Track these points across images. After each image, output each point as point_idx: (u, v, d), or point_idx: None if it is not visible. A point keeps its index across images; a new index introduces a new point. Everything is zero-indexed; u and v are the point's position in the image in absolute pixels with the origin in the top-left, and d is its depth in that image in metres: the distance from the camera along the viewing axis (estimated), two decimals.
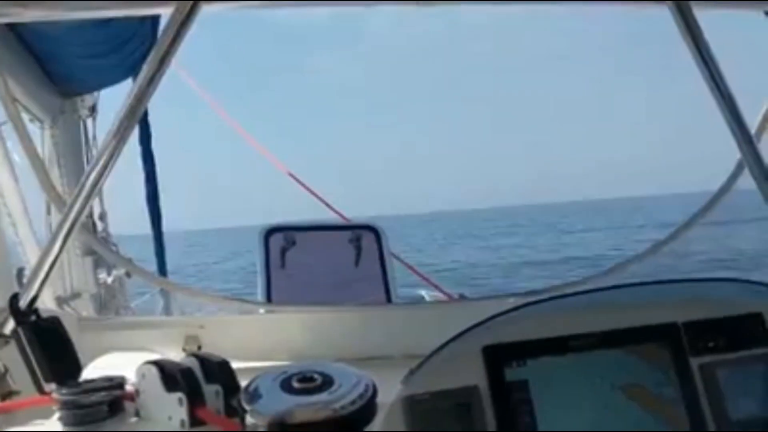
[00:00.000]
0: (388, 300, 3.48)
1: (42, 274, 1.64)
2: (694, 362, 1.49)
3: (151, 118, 4.39)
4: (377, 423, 1.30)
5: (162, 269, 4.67)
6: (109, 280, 4.08)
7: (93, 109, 4.24)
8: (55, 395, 1.46)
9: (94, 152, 4.00)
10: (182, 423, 1.35)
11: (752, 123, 2.19)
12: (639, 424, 1.41)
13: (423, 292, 5.18)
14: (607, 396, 1.43)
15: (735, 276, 1.68)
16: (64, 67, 3.38)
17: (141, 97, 1.74)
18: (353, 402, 1.14)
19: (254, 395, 1.15)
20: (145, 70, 1.70)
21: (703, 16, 1.83)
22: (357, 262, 3.62)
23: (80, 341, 1.93)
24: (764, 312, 1.57)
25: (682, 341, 1.50)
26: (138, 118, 1.83)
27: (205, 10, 1.60)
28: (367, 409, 1.16)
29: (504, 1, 2.04)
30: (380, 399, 1.33)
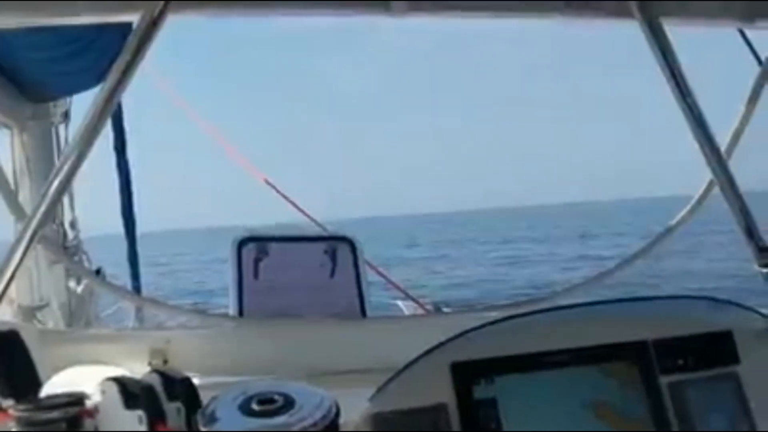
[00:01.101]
0: (363, 312, 3.45)
1: (2, 286, 1.60)
2: (663, 380, 1.48)
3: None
4: None
5: (135, 279, 4.61)
6: (79, 289, 4.01)
7: (66, 115, 4.17)
8: (12, 411, 1.41)
9: None
10: None
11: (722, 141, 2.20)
12: None
13: (400, 303, 5.16)
14: (576, 414, 1.42)
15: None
16: (31, 72, 3.32)
17: (107, 103, 1.71)
18: (314, 424, 1.11)
19: (211, 417, 1.12)
20: (112, 75, 1.68)
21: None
22: (332, 274, 3.59)
23: (42, 354, 1.88)
24: (733, 330, 1.57)
25: (652, 359, 1.49)
26: (105, 123, 1.80)
27: (172, 17, 1.57)
28: (328, 430, 1.13)
29: (476, 17, 2.04)
30: (348, 414, 1.30)
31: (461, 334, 1.42)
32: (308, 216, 5.56)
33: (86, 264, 4.14)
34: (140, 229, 4.57)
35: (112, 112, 1.88)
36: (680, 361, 1.51)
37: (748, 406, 1.50)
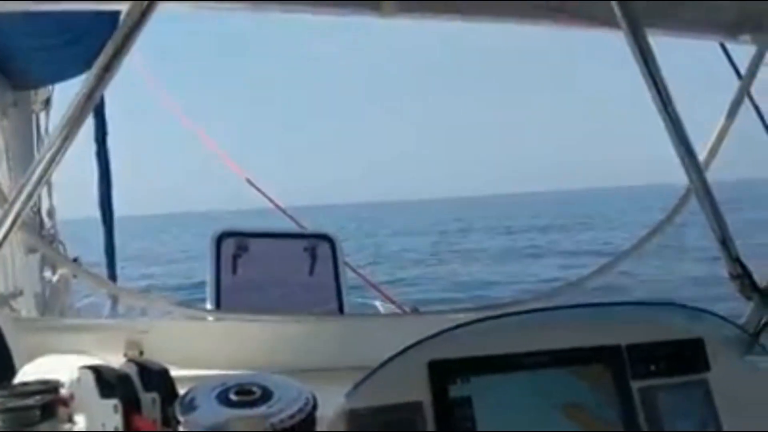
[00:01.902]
0: (341, 310, 3.46)
1: None
2: (635, 385, 1.51)
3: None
4: None
5: (112, 270, 4.58)
6: (54, 279, 3.97)
7: (47, 103, 4.14)
8: None
9: None
10: (116, 430, 1.31)
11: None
12: None
13: (377, 303, 5.17)
14: (547, 415, 1.44)
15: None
16: (17, 59, 3.29)
17: (92, 93, 1.70)
18: (292, 416, 1.12)
19: (189, 406, 1.12)
20: (98, 64, 1.67)
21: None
22: (311, 272, 3.59)
23: (17, 342, 1.87)
24: (705, 338, 1.60)
25: (625, 364, 1.52)
26: (88, 114, 1.79)
27: (162, 6, 1.57)
28: (305, 423, 1.14)
29: (462, 19, 2.06)
30: (323, 411, 1.31)
31: (439, 334, 1.44)
32: (288, 215, 5.56)
33: (63, 253, 4.10)
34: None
35: (96, 102, 1.87)
36: (652, 367, 1.54)
37: (717, 413, 1.53)
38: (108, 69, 1.70)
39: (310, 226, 4.80)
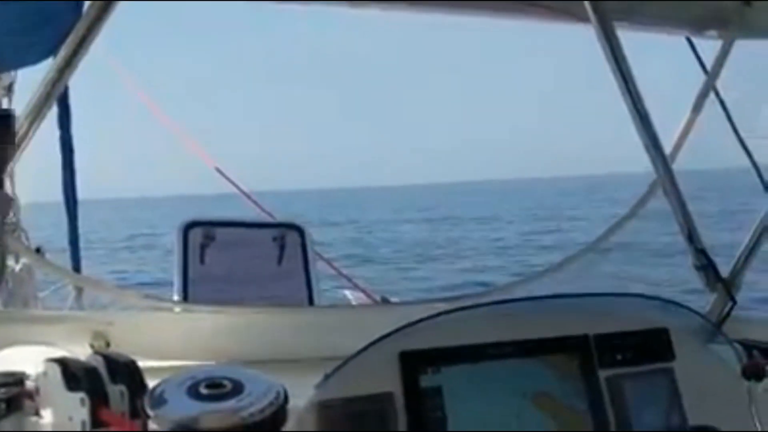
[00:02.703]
0: (310, 300, 3.44)
1: None
2: (602, 374, 1.53)
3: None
4: (289, 428, 1.28)
5: (76, 258, 4.50)
6: (17, 268, 3.89)
7: (9, 89, 4.04)
8: None
9: None
10: (83, 424, 1.29)
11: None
12: None
13: (347, 292, 5.17)
14: (516, 405, 1.45)
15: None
16: None
17: (58, 79, 1.67)
18: (262, 410, 1.11)
19: (159, 400, 1.11)
20: (64, 51, 1.64)
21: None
22: (280, 261, 3.57)
23: None
24: (670, 328, 1.63)
25: (592, 353, 1.54)
26: (53, 101, 1.76)
27: None
28: (276, 416, 1.13)
29: (430, 11, 2.07)
30: (294, 403, 1.31)
31: (409, 325, 1.44)
32: (257, 204, 5.52)
33: (25, 242, 4.02)
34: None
35: (62, 89, 1.84)
36: (619, 356, 1.57)
37: (681, 401, 1.56)
38: (74, 56, 1.67)
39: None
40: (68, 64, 1.66)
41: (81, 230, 4.33)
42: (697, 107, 2.33)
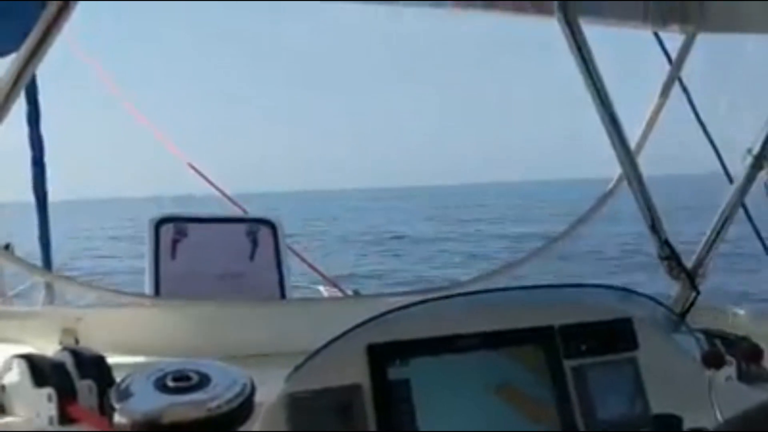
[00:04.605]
0: (283, 295, 3.45)
1: None
2: (567, 364, 1.56)
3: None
4: (257, 419, 1.29)
5: (46, 256, 4.45)
6: None
7: None
8: None
9: None
10: (51, 420, 1.29)
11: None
12: (512, 424, 1.47)
13: (321, 288, 5.17)
14: (482, 396, 1.48)
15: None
16: None
17: (21, 73, 1.66)
18: (229, 401, 1.12)
19: (125, 393, 1.11)
20: (28, 43, 1.63)
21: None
22: (252, 257, 3.56)
23: None
24: (633, 318, 1.66)
25: (557, 344, 1.57)
26: (18, 95, 1.74)
27: None
28: (243, 408, 1.14)
29: (398, 4, 2.09)
30: (264, 396, 1.31)
31: (377, 317, 1.46)
32: (230, 199, 5.51)
33: None
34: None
35: (26, 82, 1.82)
36: (583, 346, 1.60)
37: (644, 389, 1.60)
38: (39, 47, 1.66)
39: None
40: (32, 57, 1.65)
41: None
42: (662, 100, 2.37)
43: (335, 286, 4.99)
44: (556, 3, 1.92)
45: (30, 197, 4.38)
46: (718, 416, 1.49)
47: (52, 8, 1.62)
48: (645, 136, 2.38)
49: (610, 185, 2.46)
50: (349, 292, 4.70)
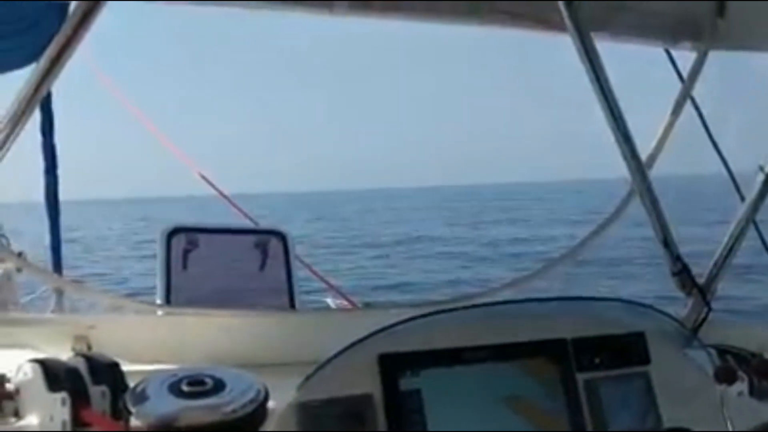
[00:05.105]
0: (292, 306, 3.45)
1: None
2: (580, 377, 1.56)
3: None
4: (269, 428, 1.29)
5: (57, 265, 4.48)
6: None
7: None
8: None
9: None
10: (64, 424, 1.30)
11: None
12: None
13: (329, 300, 5.18)
14: (494, 408, 1.47)
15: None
16: None
17: (39, 85, 1.68)
18: (243, 406, 1.12)
19: (141, 396, 1.12)
20: (46, 56, 1.65)
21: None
22: (262, 268, 3.58)
23: None
24: (646, 332, 1.66)
25: (570, 357, 1.56)
26: (35, 107, 1.76)
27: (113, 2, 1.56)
28: (257, 413, 1.15)
29: (410, 19, 2.11)
30: (275, 405, 1.32)
31: (388, 327, 1.46)
32: (241, 210, 5.53)
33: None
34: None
35: (43, 95, 1.84)
36: (596, 360, 1.59)
37: (657, 403, 1.59)
38: (56, 61, 1.68)
39: None
40: (51, 69, 1.67)
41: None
42: (674, 116, 2.38)
43: (345, 297, 5.00)
44: (568, 19, 1.94)
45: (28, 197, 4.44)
46: (730, 431, 1.49)
47: (72, 21, 1.65)
48: (656, 151, 2.38)
49: (620, 201, 2.46)
50: (358, 304, 4.71)
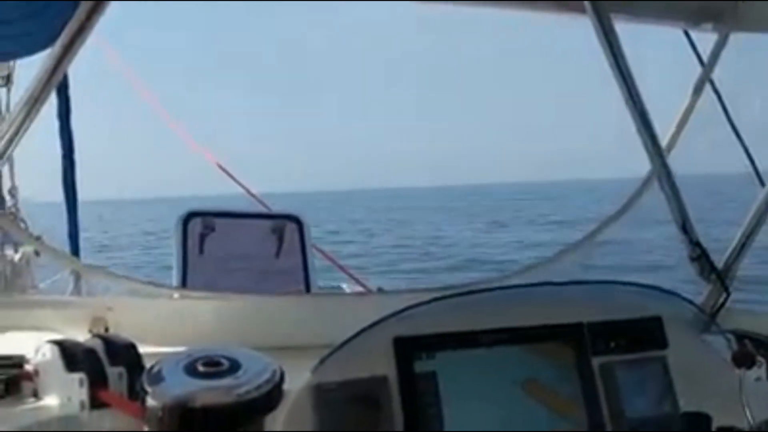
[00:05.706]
0: (308, 291, 3.46)
1: None
2: (595, 361, 1.55)
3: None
4: (284, 411, 1.29)
5: (75, 250, 4.52)
6: (16, 257, 3.91)
7: (8, 79, 4.06)
8: None
9: None
10: (82, 404, 1.31)
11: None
12: (538, 419, 1.46)
13: (344, 285, 5.19)
14: (509, 391, 1.47)
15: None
16: None
17: (55, 69, 1.68)
18: (258, 387, 1.12)
19: (157, 377, 1.13)
20: (61, 41, 1.65)
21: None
22: (278, 253, 3.59)
23: None
24: (663, 316, 1.65)
25: (586, 341, 1.56)
26: (51, 90, 1.77)
27: None
28: (272, 395, 1.15)
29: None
30: (290, 387, 1.32)
31: (403, 310, 1.46)
32: (259, 200, 5.55)
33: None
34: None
35: (59, 79, 1.85)
36: (612, 344, 1.58)
37: (673, 388, 1.58)
38: (71, 45, 1.68)
39: None
40: (66, 54, 1.67)
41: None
42: (694, 100, 2.35)
43: (360, 283, 5.00)
44: (587, 2, 1.91)
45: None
46: (749, 416, 1.48)
47: (85, 6, 1.65)
48: (676, 136, 2.36)
49: (638, 186, 2.44)
50: (373, 289, 4.71)
